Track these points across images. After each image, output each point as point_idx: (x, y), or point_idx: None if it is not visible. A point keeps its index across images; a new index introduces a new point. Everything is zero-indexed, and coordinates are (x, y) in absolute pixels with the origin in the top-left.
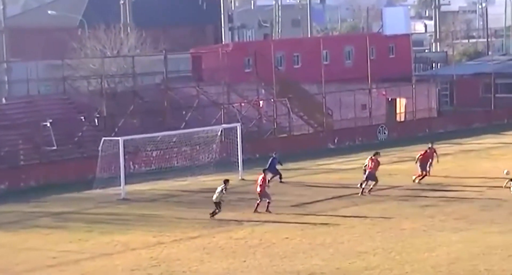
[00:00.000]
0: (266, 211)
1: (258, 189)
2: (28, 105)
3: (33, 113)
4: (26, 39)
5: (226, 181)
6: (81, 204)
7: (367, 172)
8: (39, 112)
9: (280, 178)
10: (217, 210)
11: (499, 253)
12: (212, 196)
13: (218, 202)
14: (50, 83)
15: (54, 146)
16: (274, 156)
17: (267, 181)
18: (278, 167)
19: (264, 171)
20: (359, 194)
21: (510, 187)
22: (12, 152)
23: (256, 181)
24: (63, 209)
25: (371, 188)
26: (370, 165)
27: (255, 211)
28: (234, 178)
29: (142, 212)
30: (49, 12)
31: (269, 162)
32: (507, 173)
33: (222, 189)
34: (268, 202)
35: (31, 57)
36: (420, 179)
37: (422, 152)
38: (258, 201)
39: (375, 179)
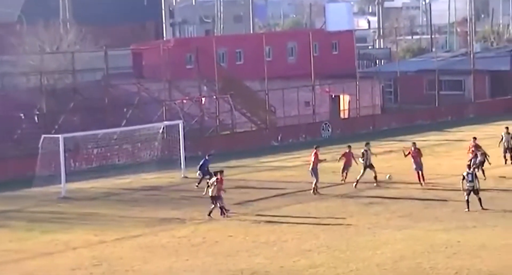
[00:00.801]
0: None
1: (214, 192)
2: None
3: None
4: None
5: (221, 172)
6: (21, 202)
7: (310, 168)
8: None
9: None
10: (213, 206)
11: (444, 251)
12: (207, 192)
13: (215, 196)
14: None
15: None
16: (207, 158)
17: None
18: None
19: (221, 172)
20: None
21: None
22: None
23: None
24: (3, 208)
25: (314, 188)
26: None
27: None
28: (176, 176)
29: (83, 211)
30: None
31: (201, 162)
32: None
33: (216, 180)
34: (221, 207)
35: None
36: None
37: (408, 152)
38: (212, 207)
39: (316, 176)
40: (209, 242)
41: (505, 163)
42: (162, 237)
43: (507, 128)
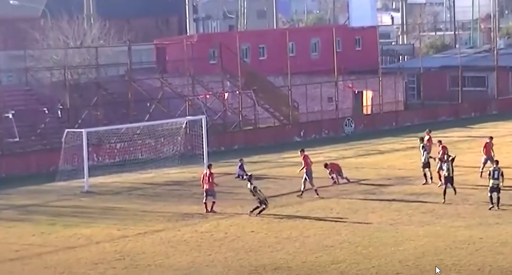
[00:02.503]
0: (210, 211)
1: (206, 186)
2: None
3: None
4: None
5: (209, 166)
6: (44, 196)
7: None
8: (1, 103)
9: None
10: (262, 206)
11: (466, 248)
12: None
13: (261, 200)
14: (12, 74)
15: (16, 137)
16: (240, 162)
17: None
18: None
19: (209, 166)
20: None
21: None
22: None
23: (201, 177)
24: (26, 202)
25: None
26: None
27: (207, 211)
28: (199, 171)
29: (105, 205)
30: (11, 1)
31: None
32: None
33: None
34: (213, 202)
35: None
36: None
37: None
38: (204, 200)
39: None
40: (231, 237)
41: None
42: (185, 232)
43: None
